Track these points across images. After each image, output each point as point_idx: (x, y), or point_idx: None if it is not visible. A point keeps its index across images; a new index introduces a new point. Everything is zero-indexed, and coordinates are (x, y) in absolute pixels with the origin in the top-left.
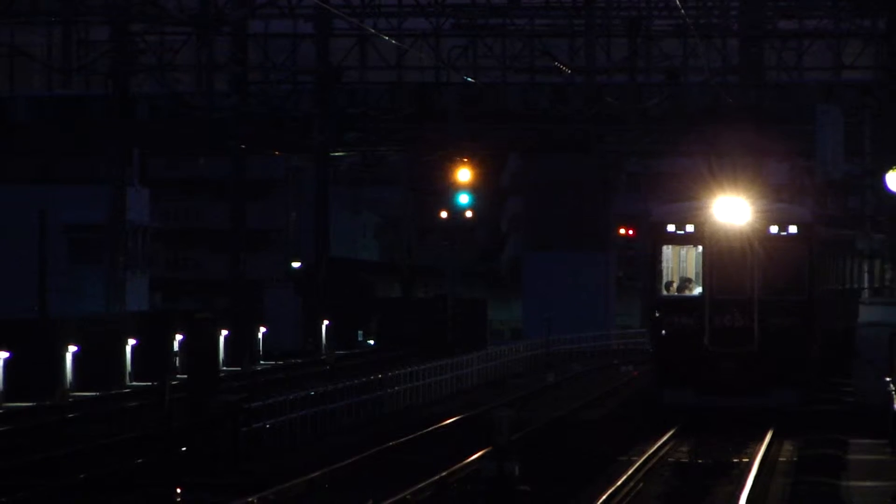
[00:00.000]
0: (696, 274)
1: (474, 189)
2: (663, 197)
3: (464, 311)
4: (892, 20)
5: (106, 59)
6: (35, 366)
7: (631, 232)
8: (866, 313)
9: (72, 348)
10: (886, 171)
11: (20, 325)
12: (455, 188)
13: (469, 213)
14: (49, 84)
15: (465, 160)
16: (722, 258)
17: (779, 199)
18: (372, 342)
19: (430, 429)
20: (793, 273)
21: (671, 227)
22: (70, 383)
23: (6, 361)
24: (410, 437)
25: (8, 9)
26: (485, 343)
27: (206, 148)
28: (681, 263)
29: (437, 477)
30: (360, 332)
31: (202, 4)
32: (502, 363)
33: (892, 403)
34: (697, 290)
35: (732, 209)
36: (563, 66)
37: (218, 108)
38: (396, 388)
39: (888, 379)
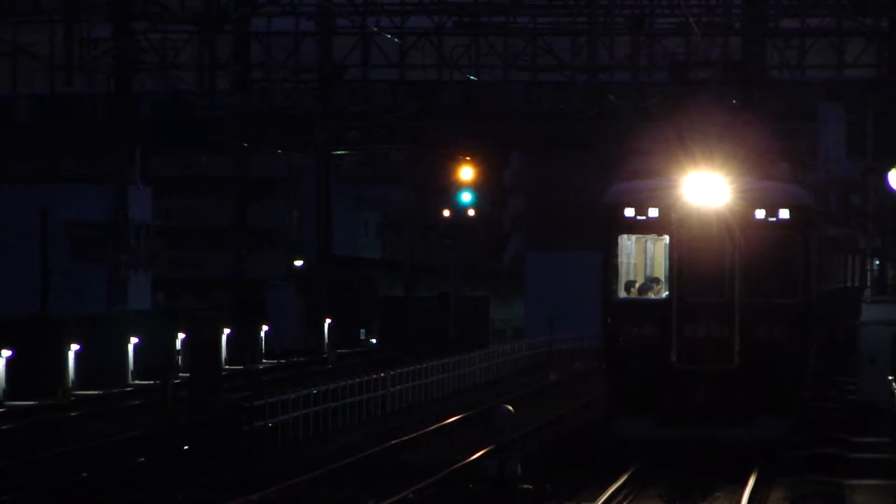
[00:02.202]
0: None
1: (476, 187)
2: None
3: (466, 309)
4: (895, 18)
5: (108, 57)
6: (37, 364)
7: None
8: (868, 312)
9: (74, 347)
10: (888, 169)
11: (22, 323)
12: (457, 187)
13: (471, 212)
14: (51, 82)
15: (468, 159)
16: (694, 251)
17: (767, 177)
18: (374, 340)
19: (432, 427)
20: (784, 269)
21: (629, 212)
22: (72, 382)
23: (8, 360)
24: (412, 435)
25: (10, 7)
26: (487, 341)
27: (208, 146)
28: (647, 259)
29: (438, 476)
30: (362, 331)
31: (204, 3)
32: (504, 362)
33: None
34: (666, 293)
35: (708, 188)
36: (566, 64)
37: (220, 106)
38: (398, 386)
39: (891, 378)
